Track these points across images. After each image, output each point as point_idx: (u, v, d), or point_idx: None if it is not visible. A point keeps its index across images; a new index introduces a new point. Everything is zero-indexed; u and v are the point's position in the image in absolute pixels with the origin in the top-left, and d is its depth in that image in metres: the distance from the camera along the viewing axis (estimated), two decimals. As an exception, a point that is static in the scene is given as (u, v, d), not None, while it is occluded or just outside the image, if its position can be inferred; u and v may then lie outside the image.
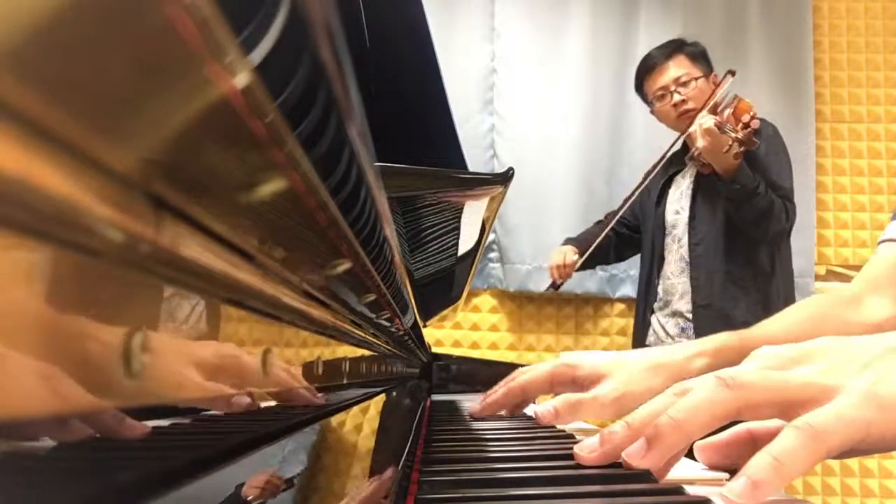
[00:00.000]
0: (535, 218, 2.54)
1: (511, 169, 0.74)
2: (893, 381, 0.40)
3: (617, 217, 2.07)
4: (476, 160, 2.51)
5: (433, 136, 0.93)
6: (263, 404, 0.26)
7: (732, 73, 1.93)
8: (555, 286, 2.17)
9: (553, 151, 2.56)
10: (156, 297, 0.15)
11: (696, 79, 1.95)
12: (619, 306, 2.60)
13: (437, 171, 0.69)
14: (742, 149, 1.75)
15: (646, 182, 2.01)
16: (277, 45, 0.16)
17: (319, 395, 0.36)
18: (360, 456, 0.44)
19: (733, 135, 1.75)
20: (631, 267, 2.52)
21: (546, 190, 2.54)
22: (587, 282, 2.55)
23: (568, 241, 2.19)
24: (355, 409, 0.46)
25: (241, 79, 0.14)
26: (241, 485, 0.22)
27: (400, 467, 0.46)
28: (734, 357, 0.64)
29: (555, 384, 0.76)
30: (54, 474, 0.12)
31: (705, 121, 1.79)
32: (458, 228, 0.82)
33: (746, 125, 1.76)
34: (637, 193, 2.03)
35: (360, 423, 0.48)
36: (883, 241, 0.82)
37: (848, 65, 2.73)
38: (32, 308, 0.11)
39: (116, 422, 0.14)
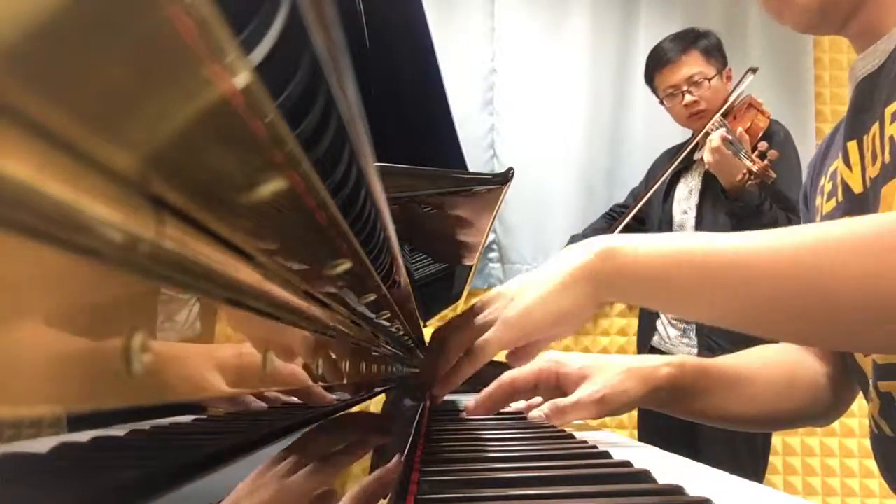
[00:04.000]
0: (535, 218, 2.54)
1: (511, 169, 0.74)
2: (519, 305, 0.65)
3: (629, 216, 2.01)
4: (476, 160, 2.51)
5: (433, 136, 0.93)
6: (263, 404, 0.26)
7: (753, 70, 1.87)
8: None
9: (553, 151, 2.56)
10: (156, 297, 0.15)
11: (710, 79, 1.88)
12: (619, 306, 2.60)
13: (437, 171, 0.69)
14: (757, 181, 1.69)
15: (660, 182, 1.96)
16: (277, 45, 0.16)
17: (319, 394, 0.36)
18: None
19: (748, 163, 1.69)
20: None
21: (546, 190, 2.54)
22: (587, 282, 2.54)
23: (573, 239, 2.18)
24: (355, 409, 0.46)
25: (241, 79, 0.14)
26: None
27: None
28: (693, 374, 0.81)
29: (541, 380, 0.85)
30: (54, 474, 0.12)
31: (714, 136, 1.74)
32: (457, 228, 0.82)
33: (763, 154, 1.69)
34: (652, 192, 1.98)
35: (360, 423, 0.48)
36: None
37: (848, 65, 2.73)
38: (33, 308, 0.11)
39: (116, 421, 0.14)
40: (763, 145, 1.71)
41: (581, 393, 0.78)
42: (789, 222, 1.76)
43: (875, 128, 0.68)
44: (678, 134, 2.14)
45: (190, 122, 0.14)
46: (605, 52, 2.58)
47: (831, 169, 0.79)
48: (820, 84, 2.70)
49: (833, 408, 0.87)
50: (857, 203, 0.73)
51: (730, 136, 1.73)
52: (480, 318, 0.69)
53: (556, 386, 0.84)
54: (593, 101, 2.56)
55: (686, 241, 0.63)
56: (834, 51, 2.73)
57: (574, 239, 2.17)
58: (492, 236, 2.57)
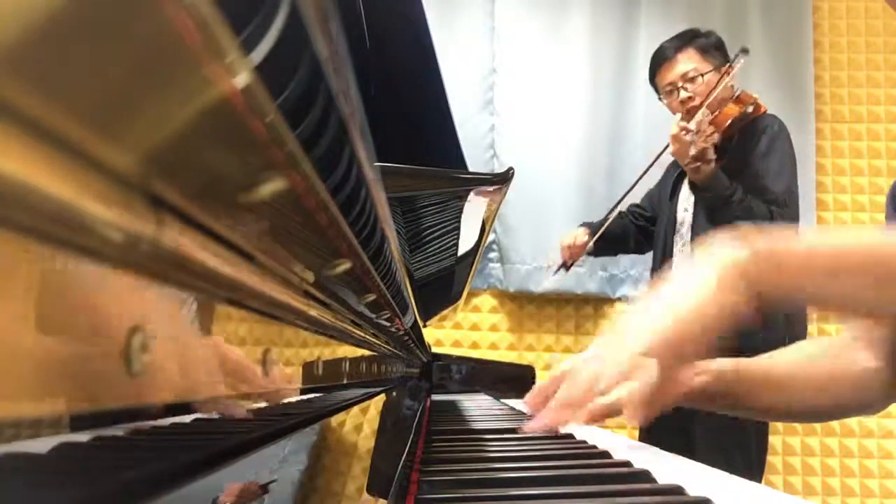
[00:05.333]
0: (535, 218, 2.54)
1: (511, 169, 0.74)
2: (668, 317, 0.61)
3: (624, 196, 2.03)
4: (476, 160, 2.51)
5: (433, 136, 0.93)
6: (263, 404, 0.26)
7: (745, 51, 1.88)
8: (565, 266, 2.13)
9: (553, 151, 2.56)
10: (156, 296, 0.15)
11: (704, 74, 1.89)
12: (620, 306, 2.60)
13: (437, 171, 0.69)
14: (697, 164, 1.73)
15: (651, 166, 1.99)
16: (277, 45, 0.16)
17: (319, 395, 0.36)
18: (360, 456, 0.44)
19: (691, 143, 1.73)
20: (631, 267, 2.52)
21: (546, 190, 2.54)
22: (587, 282, 2.55)
23: (583, 225, 2.17)
24: (355, 409, 0.46)
25: (241, 79, 0.14)
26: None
27: (400, 467, 0.46)
28: (729, 383, 0.80)
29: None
30: (54, 474, 0.12)
31: (672, 124, 1.78)
32: (458, 228, 0.82)
33: (709, 136, 1.74)
34: (643, 175, 2.00)
35: (360, 423, 0.48)
36: None
37: (848, 65, 2.73)
38: (33, 308, 0.11)
39: (117, 421, 0.14)
40: (710, 129, 1.76)
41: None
42: (770, 214, 1.76)
43: None
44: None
45: (190, 122, 0.14)
46: (605, 52, 2.58)
47: None
48: (820, 84, 2.70)
49: (881, 399, 0.88)
50: None
51: (685, 124, 1.76)
52: (618, 338, 0.65)
53: None
54: (593, 101, 2.56)
55: (844, 234, 0.61)
56: (834, 51, 2.73)
57: (583, 225, 2.15)
58: (492, 236, 2.57)
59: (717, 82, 1.89)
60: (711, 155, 1.74)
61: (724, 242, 0.64)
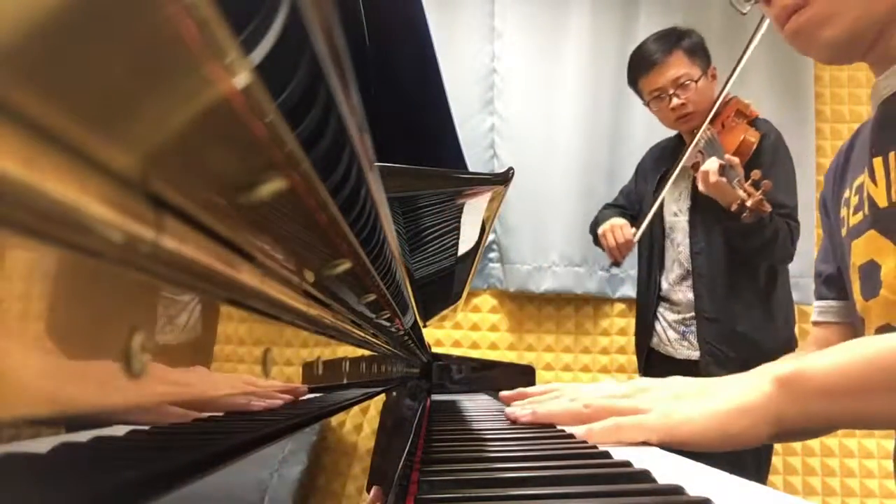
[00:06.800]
0: (535, 218, 2.54)
1: (511, 169, 0.74)
2: (683, 408, 0.65)
3: (646, 224, 1.92)
4: (476, 160, 2.51)
5: (433, 136, 0.93)
6: (263, 404, 0.26)
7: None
8: (617, 264, 2.02)
9: (553, 151, 2.56)
10: (156, 297, 0.15)
11: (696, 80, 1.85)
12: (619, 306, 2.60)
13: (437, 171, 0.69)
14: (751, 214, 1.61)
15: (664, 192, 1.90)
16: (277, 45, 0.16)
17: (319, 395, 0.36)
18: (360, 456, 0.44)
19: (742, 194, 1.61)
20: (631, 266, 2.52)
21: (546, 190, 2.54)
22: (587, 282, 2.55)
23: (607, 208, 2.08)
24: (355, 409, 0.46)
25: (241, 79, 0.14)
26: (242, 483, 0.22)
27: (400, 467, 0.46)
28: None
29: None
30: (54, 474, 0.12)
31: (711, 167, 1.66)
32: (458, 228, 0.82)
33: (757, 183, 1.61)
34: (658, 204, 1.91)
35: (360, 423, 0.48)
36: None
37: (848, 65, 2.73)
38: (32, 308, 0.11)
39: (116, 421, 0.14)
40: (756, 174, 1.62)
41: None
42: (790, 230, 1.73)
43: None
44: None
45: (190, 122, 0.14)
46: (605, 53, 2.58)
47: (857, 182, 0.82)
48: (820, 84, 2.70)
49: None
50: (883, 217, 0.76)
51: (724, 164, 1.66)
52: (631, 399, 0.69)
53: None
54: (593, 102, 2.56)
55: (862, 348, 0.62)
56: (834, 51, 2.73)
57: (607, 207, 2.11)
58: (492, 236, 2.57)
59: (714, 102, 1.83)
60: (767, 206, 1.62)
61: (751, 374, 0.67)
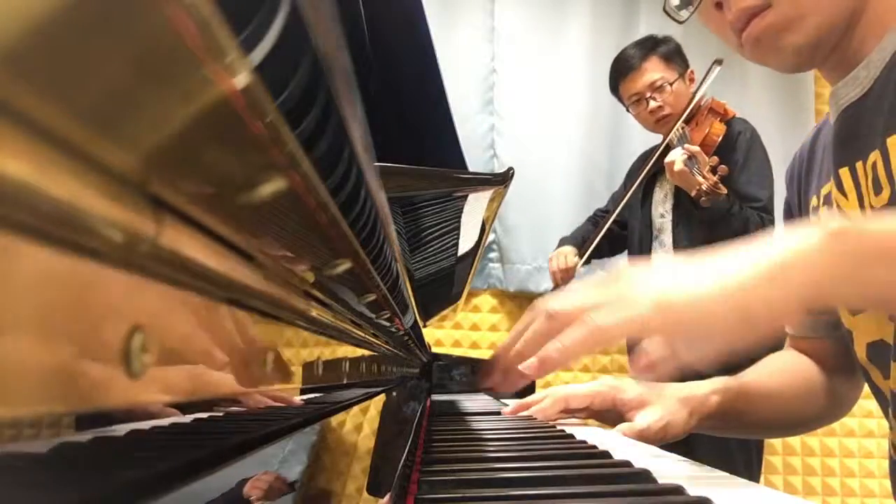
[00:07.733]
0: (535, 218, 2.54)
1: (511, 169, 0.74)
2: (684, 283, 0.49)
3: (612, 219, 2.04)
4: (476, 160, 2.51)
5: (433, 136, 0.93)
6: (263, 404, 0.26)
7: (719, 62, 1.89)
8: (556, 288, 2.16)
9: (553, 151, 2.56)
10: (156, 296, 0.15)
11: (672, 83, 1.93)
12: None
13: (437, 171, 0.69)
14: (708, 197, 1.73)
15: (635, 185, 1.99)
16: (277, 45, 0.16)
17: (319, 394, 0.36)
18: (360, 456, 0.44)
19: (700, 178, 1.72)
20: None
21: (546, 190, 2.53)
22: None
23: (563, 242, 2.18)
24: (355, 409, 0.46)
25: (241, 79, 0.14)
26: (242, 483, 0.22)
27: (400, 467, 0.46)
28: (734, 397, 0.84)
29: (596, 402, 0.88)
30: (54, 474, 0.12)
31: (676, 159, 1.76)
32: (457, 228, 0.82)
33: (714, 169, 1.73)
34: (629, 195, 2.01)
35: (360, 423, 0.48)
36: None
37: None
38: (32, 308, 0.11)
39: (117, 421, 0.14)
40: (714, 160, 1.73)
41: (647, 419, 0.81)
42: (762, 221, 1.78)
43: (875, 156, 0.67)
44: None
45: (190, 123, 0.14)
46: (605, 53, 2.58)
47: (824, 191, 0.80)
48: (820, 84, 2.70)
49: (835, 408, 0.91)
50: None
51: (689, 154, 1.76)
52: (603, 292, 0.52)
53: (609, 410, 0.87)
54: (593, 101, 2.56)
55: None
56: (834, 51, 2.73)
57: (563, 241, 2.18)
58: (492, 236, 2.57)
59: (692, 96, 1.91)
60: (722, 188, 1.73)
61: (789, 230, 0.58)
